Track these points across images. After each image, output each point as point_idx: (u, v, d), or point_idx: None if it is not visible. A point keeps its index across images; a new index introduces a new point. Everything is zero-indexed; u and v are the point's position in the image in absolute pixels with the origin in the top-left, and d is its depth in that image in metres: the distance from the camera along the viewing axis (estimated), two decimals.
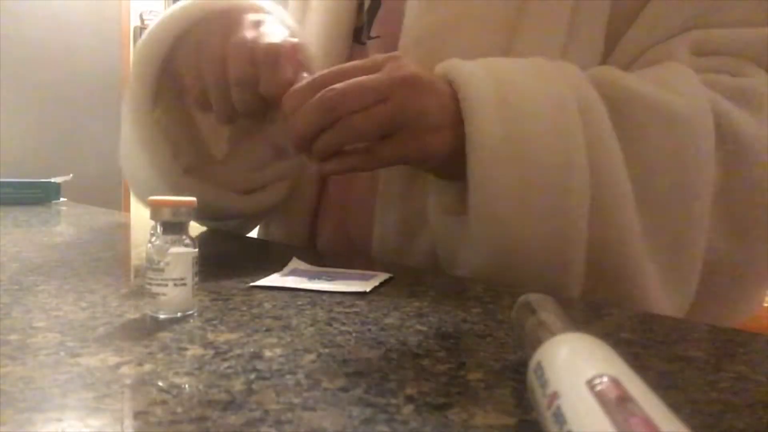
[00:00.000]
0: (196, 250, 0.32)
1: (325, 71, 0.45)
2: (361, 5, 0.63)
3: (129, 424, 0.19)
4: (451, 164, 0.45)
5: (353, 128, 0.43)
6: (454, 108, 0.45)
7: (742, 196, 0.46)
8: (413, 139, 0.44)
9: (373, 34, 0.61)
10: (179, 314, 0.32)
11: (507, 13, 0.53)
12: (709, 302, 0.48)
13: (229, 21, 0.52)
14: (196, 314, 0.32)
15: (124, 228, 0.93)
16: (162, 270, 0.31)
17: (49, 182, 1.33)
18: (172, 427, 0.18)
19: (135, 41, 3.66)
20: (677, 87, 0.46)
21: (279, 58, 0.47)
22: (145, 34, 0.57)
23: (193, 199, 0.32)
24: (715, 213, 0.45)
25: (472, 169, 0.43)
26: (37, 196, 1.31)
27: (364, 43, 0.62)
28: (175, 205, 0.32)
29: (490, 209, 0.43)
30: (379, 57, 0.46)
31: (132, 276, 0.44)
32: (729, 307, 0.50)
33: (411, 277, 0.48)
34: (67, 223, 0.91)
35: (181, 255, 0.31)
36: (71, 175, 1.41)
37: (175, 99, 0.58)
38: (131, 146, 0.59)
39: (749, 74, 0.48)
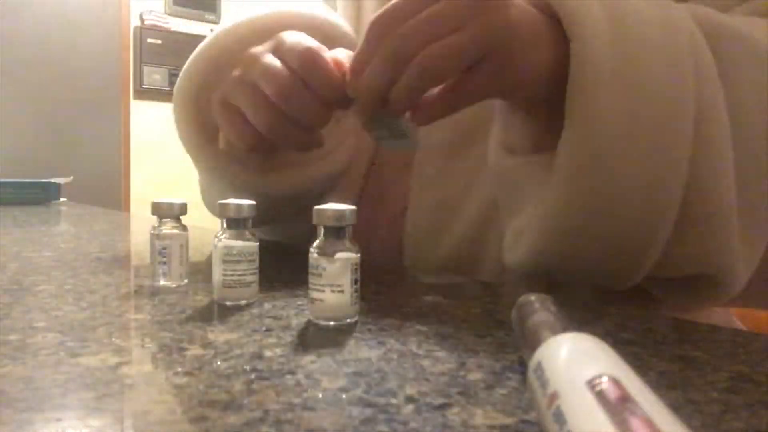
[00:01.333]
0: (358, 255, 0.31)
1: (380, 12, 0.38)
2: None
3: (129, 424, 0.19)
4: (546, 93, 0.40)
5: (429, 65, 0.36)
6: (553, 25, 0.39)
7: None
8: (506, 62, 0.37)
9: None
10: (332, 322, 0.31)
11: None
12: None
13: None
14: (352, 320, 0.32)
15: (124, 228, 0.93)
16: (320, 275, 0.31)
17: (49, 182, 1.33)
18: (172, 427, 0.18)
19: (135, 41, 3.66)
20: (760, 30, 0.43)
21: (314, 56, 0.42)
22: (190, 59, 0.54)
23: (353, 207, 0.31)
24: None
25: (576, 92, 0.37)
26: (37, 196, 1.31)
27: None
28: (338, 212, 0.31)
29: (590, 141, 0.37)
30: None
31: (132, 276, 0.44)
32: None
33: (411, 277, 0.48)
34: (67, 223, 0.91)
35: (341, 261, 0.31)
36: (71, 177, 1.42)
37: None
38: (207, 188, 0.57)
39: None
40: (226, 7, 4.10)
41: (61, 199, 1.37)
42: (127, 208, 3.24)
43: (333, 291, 0.31)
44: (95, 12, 3.35)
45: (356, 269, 0.31)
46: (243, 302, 0.35)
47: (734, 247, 0.39)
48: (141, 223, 0.99)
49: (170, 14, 3.93)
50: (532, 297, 0.26)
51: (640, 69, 0.38)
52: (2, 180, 1.29)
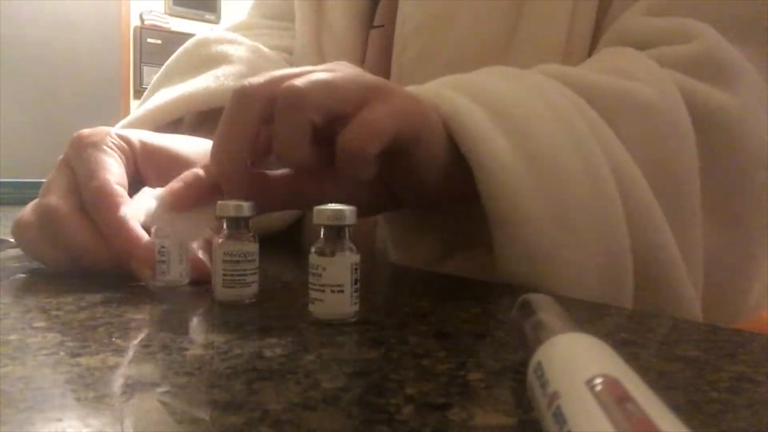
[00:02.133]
0: (358, 255, 0.31)
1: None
2: None
3: (129, 424, 0.19)
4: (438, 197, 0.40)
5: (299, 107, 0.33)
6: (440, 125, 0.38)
7: (729, 181, 0.42)
8: (391, 99, 0.35)
9: (376, 23, 0.61)
10: (335, 321, 0.31)
11: (504, 11, 0.51)
12: (712, 305, 0.44)
13: None
14: (352, 320, 0.31)
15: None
16: (320, 276, 0.31)
17: None
18: (172, 427, 0.18)
19: (135, 41, 3.66)
20: (638, 74, 0.42)
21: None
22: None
23: (353, 207, 0.31)
24: (705, 205, 0.42)
25: (495, 216, 0.37)
26: (37, 196, 1.31)
27: (380, 26, 0.60)
28: (337, 212, 0.31)
29: (527, 251, 0.37)
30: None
31: (132, 275, 0.44)
32: (732, 307, 0.47)
33: (411, 277, 0.48)
34: None
35: (340, 261, 0.31)
36: None
37: None
38: None
39: (696, 36, 0.44)
40: (226, 7, 4.10)
41: None
42: None
43: (333, 291, 0.31)
44: (95, 12, 3.35)
45: (356, 269, 0.31)
46: (245, 302, 0.35)
47: (690, 292, 0.40)
48: None
49: (170, 14, 3.93)
50: (533, 297, 0.26)
51: (543, 157, 0.38)
52: (2, 180, 1.29)
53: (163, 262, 0.37)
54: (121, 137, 0.43)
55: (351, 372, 0.24)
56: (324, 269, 0.31)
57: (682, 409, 0.21)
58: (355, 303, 0.31)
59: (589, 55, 0.52)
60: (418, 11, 0.55)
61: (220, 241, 0.34)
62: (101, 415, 0.19)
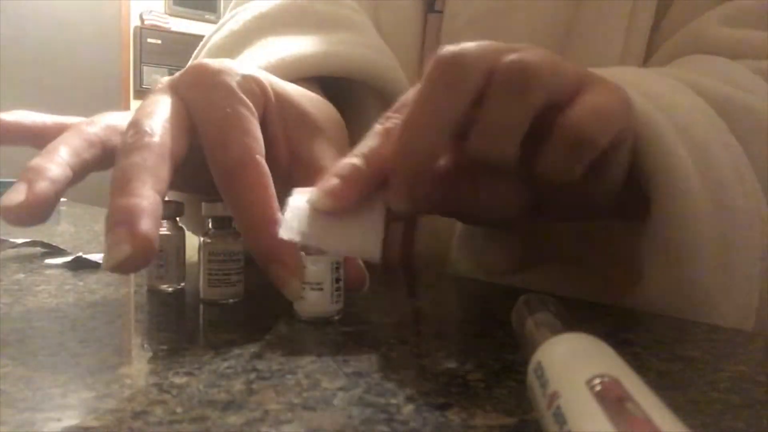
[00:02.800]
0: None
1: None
2: None
3: (129, 424, 0.19)
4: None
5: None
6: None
7: None
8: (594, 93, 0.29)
9: (437, 7, 0.59)
10: (316, 318, 0.31)
11: (561, 8, 0.50)
12: None
13: None
14: (335, 318, 0.32)
15: None
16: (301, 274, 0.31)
17: None
18: (172, 427, 0.18)
19: (135, 41, 3.66)
20: (746, 84, 0.40)
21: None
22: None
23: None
24: None
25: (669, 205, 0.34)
26: None
27: (439, 11, 0.58)
28: None
29: (687, 279, 0.34)
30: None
31: (132, 277, 0.44)
32: None
33: (411, 277, 0.48)
34: (67, 223, 0.91)
35: (321, 261, 0.31)
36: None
37: None
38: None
39: None
40: (227, 7, 4.10)
41: (61, 199, 1.37)
42: None
43: (313, 289, 0.31)
44: (95, 12, 3.35)
45: (337, 268, 0.31)
46: (229, 301, 0.35)
47: None
48: None
49: (170, 14, 3.93)
50: (533, 297, 0.26)
51: (723, 187, 0.34)
52: (2, 180, 1.29)
53: (162, 265, 0.37)
54: (255, 81, 0.33)
55: (351, 372, 0.24)
56: (305, 267, 0.31)
57: (682, 409, 0.21)
58: (337, 301, 0.32)
59: (647, 56, 0.50)
60: (474, 2, 0.54)
61: (205, 240, 0.35)
62: (101, 415, 0.19)
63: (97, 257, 0.47)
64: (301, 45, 0.45)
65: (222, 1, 4.10)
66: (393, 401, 0.21)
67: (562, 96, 0.28)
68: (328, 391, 0.22)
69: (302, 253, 0.31)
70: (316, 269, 0.31)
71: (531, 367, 0.19)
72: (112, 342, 0.27)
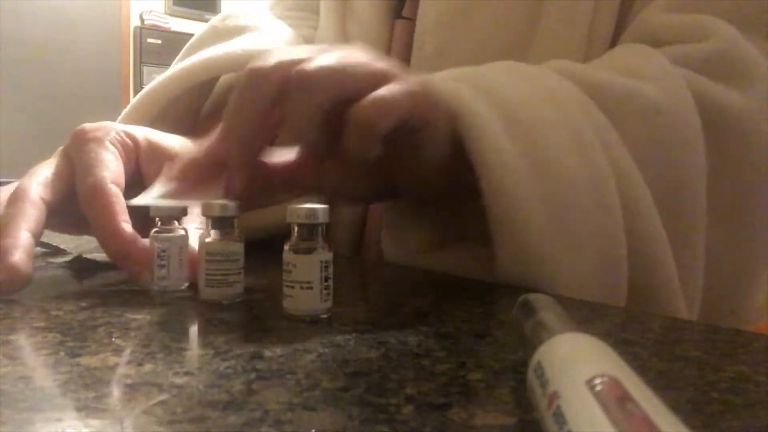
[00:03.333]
0: (330, 253, 0.32)
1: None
2: None
3: (129, 424, 0.19)
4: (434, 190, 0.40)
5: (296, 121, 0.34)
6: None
7: (739, 185, 0.42)
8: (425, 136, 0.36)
9: (404, 14, 0.60)
10: (306, 317, 0.32)
11: (524, 9, 0.51)
12: (710, 312, 0.44)
13: None
14: (324, 317, 0.32)
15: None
16: (290, 272, 0.31)
17: None
18: (172, 427, 0.18)
19: (135, 41, 3.66)
20: (648, 73, 0.42)
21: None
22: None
23: (325, 206, 0.32)
24: (712, 209, 0.41)
25: (496, 209, 0.37)
26: None
27: (408, 18, 0.60)
28: (310, 210, 0.31)
29: (522, 255, 0.38)
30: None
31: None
32: (730, 316, 0.46)
33: (411, 277, 0.48)
34: None
35: (309, 259, 0.31)
36: None
37: None
38: None
39: (713, 34, 0.43)
40: (226, 7, 4.11)
41: None
42: None
43: (302, 288, 0.31)
44: (95, 12, 3.35)
45: (327, 267, 0.32)
46: (227, 302, 0.35)
47: (679, 302, 0.40)
48: None
49: (170, 14, 3.93)
50: (533, 297, 0.26)
51: (546, 152, 0.38)
52: (2, 180, 1.29)
53: (163, 266, 0.37)
54: (126, 134, 0.42)
55: (351, 372, 0.24)
56: (294, 266, 0.31)
57: (682, 409, 0.21)
58: (326, 300, 0.32)
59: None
60: (438, 5, 0.55)
61: (204, 240, 0.35)
62: (101, 415, 0.19)
63: (97, 257, 0.47)
64: (201, 55, 0.57)
65: (222, 2, 4.10)
66: (393, 401, 0.21)
67: (354, 92, 0.33)
68: (328, 391, 0.22)
69: (291, 253, 0.31)
70: (305, 267, 0.31)
71: (531, 367, 0.19)
72: (112, 342, 0.27)
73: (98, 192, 0.38)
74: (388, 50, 0.61)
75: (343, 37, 0.63)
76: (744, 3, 0.45)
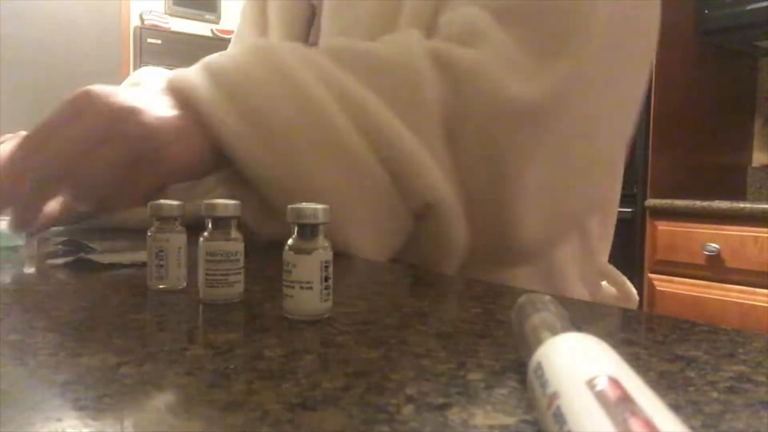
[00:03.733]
0: (330, 253, 0.32)
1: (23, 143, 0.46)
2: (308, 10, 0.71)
3: (129, 424, 0.19)
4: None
5: (87, 180, 0.45)
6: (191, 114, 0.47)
7: (473, 114, 0.50)
8: (155, 161, 0.46)
9: (311, 42, 0.67)
10: (306, 318, 0.32)
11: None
12: (481, 239, 0.52)
13: None
14: (323, 317, 0.32)
15: (124, 228, 0.92)
16: (290, 272, 0.31)
17: None
18: (172, 427, 0.18)
19: (135, 41, 3.66)
20: (392, 41, 0.53)
21: None
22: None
23: (327, 206, 0.32)
24: (457, 141, 0.50)
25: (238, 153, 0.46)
26: None
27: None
28: (310, 210, 0.32)
29: (251, 169, 0.47)
30: (66, 103, 0.47)
31: (132, 276, 0.44)
32: (489, 235, 0.53)
33: (411, 277, 0.48)
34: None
35: (310, 259, 0.31)
36: None
37: None
38: None
39: (463, 16, 0.55)
40: (226, 7, 4.10)
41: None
42: None
43: (302, 288, 0.31)
44: (95, 12, 3.35)
45: (327, 267, 0.32)
46: (228, 302, 0.35)
47: (444, 186, 0.49)
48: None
49: (170, 14, 3.93)
50: (533, 297, 0.26)
51: (257, 113, 0.47)
52: None
53: (162, 266, 0.37)
54: None
55: (351, 372, 0.24)
56: (294, 266, 0.31)
57: (682, 409, 0.21)
58: (326, 300, 0.32)
59: None
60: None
61: (203, 240, 0.35)
62: (101, 415, 0.19)
63: (98, 257, 0.47)
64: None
65: (222, 1, 4.10)
66: (393, 401, 0.21)
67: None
68: (328, 391, 0.22)
69: (291, 253, 0.31)
70: (305, 268, 0.31)
71: (531, 367, 0.19)
72: (112, 342, 0.27)
73: None
74: (308, 29, 0.69)
75: (262, 17, 0.72)
76: None
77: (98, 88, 0.46)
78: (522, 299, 0.26)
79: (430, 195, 0.49)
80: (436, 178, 0.49)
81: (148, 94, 0.47)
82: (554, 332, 0.20)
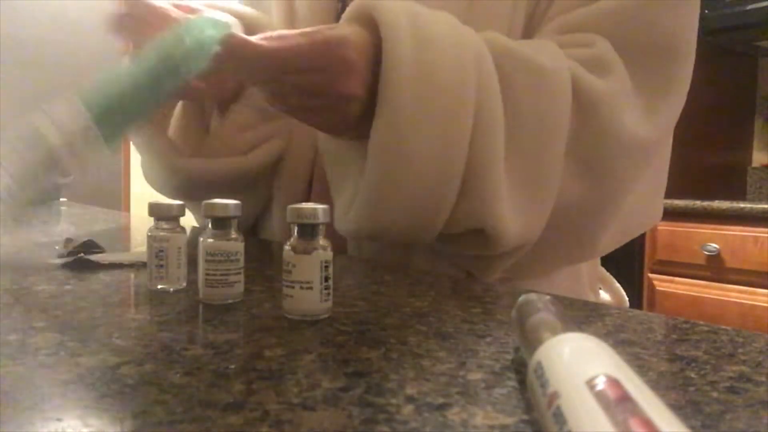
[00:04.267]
0: (330, 253, 0.32)
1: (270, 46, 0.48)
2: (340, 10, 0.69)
3: (129, 424, 0.19)
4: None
5: (285, 91, 0.49)
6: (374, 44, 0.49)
7: (593, 143, 0.54)
8: (329, 111, 0.50)
9: None
10: (306, 317, 0.32)
11: (456, 9, 0.59)
12: (557, 238, 0.55)
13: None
14: (323, 317, 0.32)
15: (124, 228, 0.93)
16: (290, 272, 0.31)
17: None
18: (172, 427, 0.18)
19: None
20: (545, 52, 0.55)
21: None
22: None
23: (326, 206, 0.33)
24: (570, 158, 0.53)
25: (385, 89, 0.48)
26: None
27: None
28: (310, 210, 0.32)
29: (395, 126, 0.48)
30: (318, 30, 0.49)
31: (132, 277, 0.44)
32: (573, 246, 0.58)
33: (411, 277, 0.48)
34: (67, 223, 0.91)
35: (310, 259, 0.31)
36: (72, 177, 1.42)
37: None
38: (138, 139, 0.67)
39: (595, 45, 0.58)
40: None
41: (61, 199, 1.37)
42: (127, 208, 3.24)
43: (302, 288, 0.31)
44: (95, 12, 3.35)
45: (327, 267, 0.32)
46: (228, 302, 0.35)
47: (502, 209, 0.50)
48: (141, 223, 0.99)
49: None
50: (533, 297, 0.26)
51: (434, 75, 0.49)
52: None
53: (162, 266, 0.37)
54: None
55: (351, 372, 0.24)
56: (294, 266, 0.31)
57: (682, 409, 0.21)
58: (326, 300, 0.32)
59: None
60: None
61: (203, 241, 0.35)
62: (101, 415, 0.19)
63: (98, 257, 0.47)
64: None
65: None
66: (393, 401, 0.21)
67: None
68: (328, 391, 0.22)
69: (292, 252, 0.31)
70: (305, 267, 0.31)
71: (531, 367, 0.19)
72: (112, 342, 0.27)
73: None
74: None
75: (290, 18, 0.72)
76: (614, 28, 0.58)
77: (348, 51, 0.48)
78: (522, 299, 0.26)
79: (489, 222, 0.51)
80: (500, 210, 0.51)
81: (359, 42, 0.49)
82: (554, 332, 0.20)
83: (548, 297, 0.26)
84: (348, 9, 0.52)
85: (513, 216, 0.51)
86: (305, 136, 0.67)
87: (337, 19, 0.68)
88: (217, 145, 0.67)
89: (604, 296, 0.76)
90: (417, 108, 0.48)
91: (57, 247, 0.52)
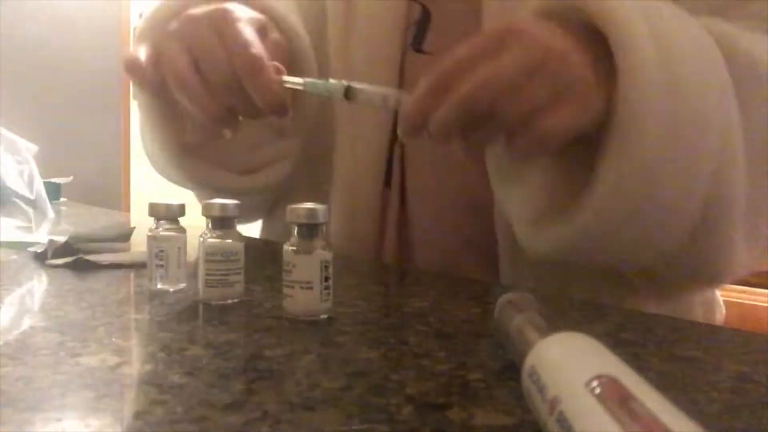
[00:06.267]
0: (330, 253, 0.32)
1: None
2: (409, 11, 0.60)
3: (129, 424, 0.19)
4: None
5: (505, 116, 0.38)
6: (598, 49, 0.40)
7: None
8: (567, 102, 0.39)
9: (426, 48, 0.60)
10: (306, 317, 0.32)
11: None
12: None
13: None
14: (324, 317, 0.32)
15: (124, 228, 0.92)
16: (290, 272, 0.31)
17: (50, 182, 1.33)
18: (172, 427, 0.18)
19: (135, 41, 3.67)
20: (750, 39, 0.47)
21: (259, 69, 0.45)
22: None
23: (325, 206, 0.32)
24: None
25: (625, 95, 0.39)
26: None
27: (423, 52, 0.59)
28: (310, 210, 0.32)
29: (637, 148, 0.39)
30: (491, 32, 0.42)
31: (132, 277, 0.44)
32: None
33: (411, 277, 0.48)
34: (67, 223, 0.91)
35: (310, 259, 0.31)
36: (71, 177, 1.41)
37: None
38: (142, 116, 0.60)
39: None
40: None
41: (61, 199, 1.37)
42: (127, 208, 3.24)
43: (302, 288, 0.31)
44: (95, 12, 3.35)
45: (327, 267, 0.32)
46: (228, 302, 0.35)
47: (737, 248, 0.43)
48: (141, 223, 0.99)
49: None
50: (514, 297, 0.26)
51: (680, 79, 0.40)
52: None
53: (162, 266, 0.37)
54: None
55: (351, 372, 0.24)
56: (294, 266, 0.31)
57: (682, 410, 0.21)
58: (326, 300, 0.32)
59: None
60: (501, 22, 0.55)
61: (203, 240, 0.34)
62: (101, 415, 0.19)
63: (98, 257, 0.47)
64: None
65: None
66: (393, 401, 0.21)
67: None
68: (328, 391, 0.22)
69: (291, 253, 0.31)
70: (305, 268, 0.31)
71: (525, 371, 0.19)
72: (112, 342, 0.27)
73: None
74: (398, 82, 0.60)
75: (346, 50, 0.62)
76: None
77: (521, 24, 0.41)
78: (505, 299, 0.26)
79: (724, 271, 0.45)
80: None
81: (561, 33, 0.41)
82: (542, 333, 0.20)
83: (530, 296, 0.26)
84: (538, 3, 0.43)
85: (743, 253, 0.44)
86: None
87: (408, 28, 0.60)
88: (220, 155, 0.60)
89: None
90: (664, 131, 0.40)
91: (38, 250, 0.51)
